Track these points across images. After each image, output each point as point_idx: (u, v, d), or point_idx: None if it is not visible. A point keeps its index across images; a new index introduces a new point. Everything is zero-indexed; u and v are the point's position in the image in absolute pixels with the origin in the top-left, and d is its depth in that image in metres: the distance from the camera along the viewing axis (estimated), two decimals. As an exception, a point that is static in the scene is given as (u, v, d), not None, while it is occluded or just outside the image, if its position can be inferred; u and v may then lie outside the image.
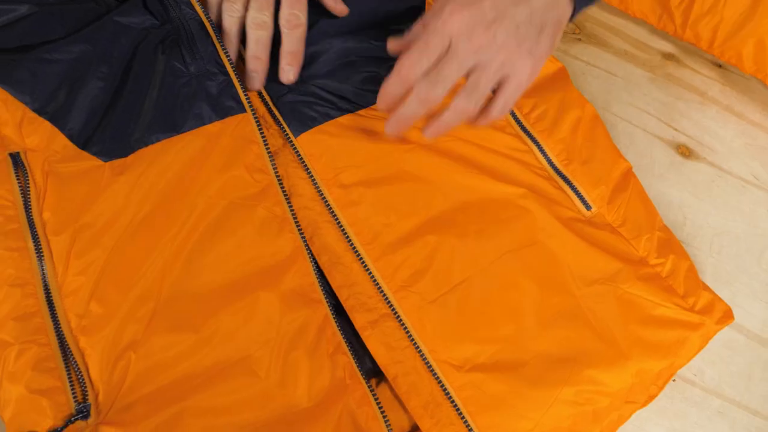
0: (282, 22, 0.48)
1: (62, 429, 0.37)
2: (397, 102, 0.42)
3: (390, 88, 0.42)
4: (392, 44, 0.45)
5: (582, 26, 0.60)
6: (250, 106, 0.48)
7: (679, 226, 0.53)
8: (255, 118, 0.48)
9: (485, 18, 0.40)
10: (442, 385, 0.43)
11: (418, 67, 0.40)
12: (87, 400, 0.39)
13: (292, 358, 0.42)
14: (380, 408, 0.42)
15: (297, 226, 0.46)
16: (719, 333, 0.46)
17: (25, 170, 0.44)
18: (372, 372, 0.45)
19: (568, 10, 0.43)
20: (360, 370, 0.43)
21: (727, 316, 0.46)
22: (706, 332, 0.45)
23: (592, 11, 0.60)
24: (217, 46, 0.49)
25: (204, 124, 0.47)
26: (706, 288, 0.47)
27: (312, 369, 0.42)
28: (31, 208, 0.43)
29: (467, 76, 0.41)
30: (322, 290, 0.45)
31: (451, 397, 0.42)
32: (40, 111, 0.45)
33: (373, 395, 0.43)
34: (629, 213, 0.49)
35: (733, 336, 0.50)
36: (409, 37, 0.43)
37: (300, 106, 0.49)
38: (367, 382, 0.43)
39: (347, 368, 0.43)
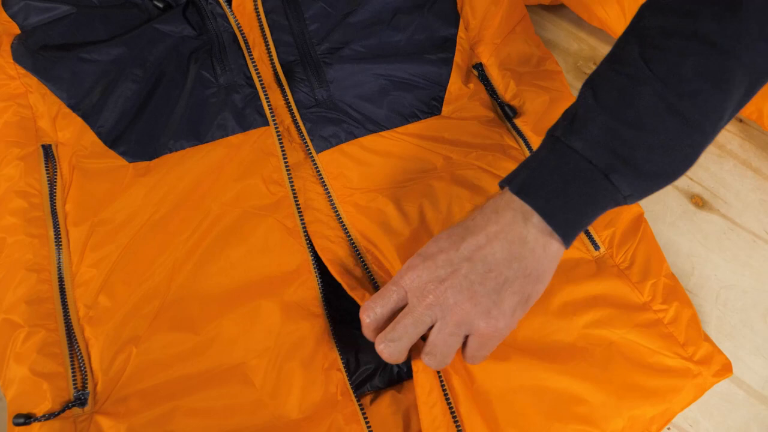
0: None
1: (59, 413, 0.39)
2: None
3: (365, 331, 0.40)
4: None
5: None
6: (274, 120, 0.49)
7: (687, 276, 0.53)
8: (278, 131, 0.49)
9: (437, 275, 0.37)
10: None
11: (371, 312, 0.39)
12: (86, 388, 0.40)
13: (288, 369, 0.43)
14: (369, 427, 0.43)
15: (307, 239, 0.47)
16: (718, 385, 0.46)
17: (55, 162, 0.46)
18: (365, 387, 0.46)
19: (545, 256, 0.37)
20: (352, 388, 0.44)
21: (726, 369, 0.45)
22: (703, 383, 0.44)
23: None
24: (248, 59, 0.51)
25: (227, 135, 0.48)
26: (707, 339, 0.47)
27: (305, 382, 0.43)
28: (55, 199, 0.45)
29: (430, 331, 0.38)
30: (323, 305, 0.46)
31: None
32: (74, 107, 0.47)
33: (363, 414, 0.43)
34: (637, 257, 0.49)
35: (732, 390, 0.49)
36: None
37: (325, 122, 0.50)
38: (358, 401, 0.43)
39: (340, 385, 0.43)
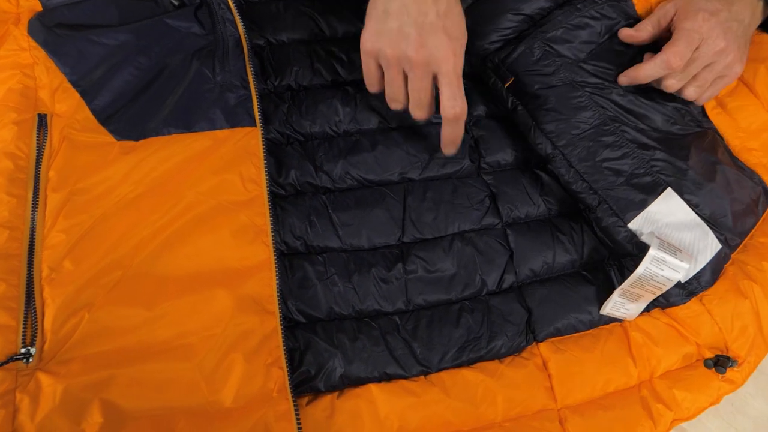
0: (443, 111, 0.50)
1: (2, 363, 0.40)
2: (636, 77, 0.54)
3: (650, 70, 0.52)
4: (628, 31, 0.55)
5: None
6: (262, 122, 0.52)
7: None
8: (263, 133, 0.51)
9: (723, 26, 0.51)
10: None
11: (684, 57, 0.51)
12: (34, 345, 0.42)
13: (230, 358, 0.44)
14: (299, 427, 0.43)
15: (273, 239, 0.49)
16: None
17: (47, 131, 0.48)
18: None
19: (757, 19, 0.55)
20: (291, 389, 0.45)
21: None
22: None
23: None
24: (247, 64, 0.53)
25: (214, 128, 0.51)
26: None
27: (244, 374, 0.44)
28: (41, 165, 0.47)
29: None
30: (279, 304, 0.47)
31: None
32: (75, 83, 0.50)
33: (297, 414, 0.44)
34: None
35: None
36: (643, 31, 0.55)
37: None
38: (295, 401, 0.44)
39: (279, 382, 0.45)
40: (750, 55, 0.55)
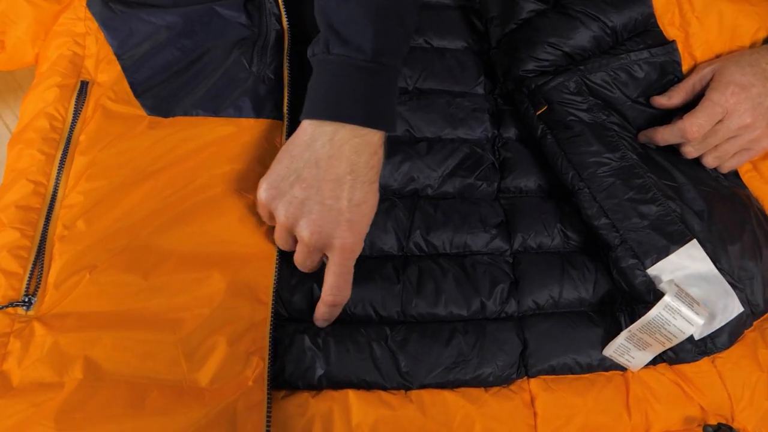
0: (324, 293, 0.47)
1: (2, 307, 0.43)
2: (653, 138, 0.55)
3: (667, 135, 0.53)
4: (660, 99, 0.56)
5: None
6: (289, 117, 0.53)
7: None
8: (288, 128, 0.52)
9: (754, 102, 0.51)
10: None
11: (702, 130, 0.51)
12: (35, 295, 0.44)
13: (213, 339, 0.45)
14: (268, 419, 0.44)
15: None
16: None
17: (85, 98, 0.51)
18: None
19: None
20: (268, 381, 0.45)
21: None
22: None
23: None
24: (285, 59, 0.55)
25: (240, 116, 0.52)
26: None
27: (225, 357, 0.44)
28: (74, 129, 0.50)
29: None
30: (273, 296, 0.48)
31: None
32: (119, 56, 0.52)
33: (268, 406, 0.44)
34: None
35: None
36: (675, 98, 0.55)
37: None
38: (269, 395, 0.44)
39: (257, 372, 0.45)
40: None
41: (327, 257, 0.47)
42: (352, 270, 0.47)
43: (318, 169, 0.44)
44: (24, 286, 0.44)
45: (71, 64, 0.52)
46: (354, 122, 0.43)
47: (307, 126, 0.45)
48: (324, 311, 0.48)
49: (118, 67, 0.52)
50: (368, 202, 0.45)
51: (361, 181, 0.44)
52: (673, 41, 0.58)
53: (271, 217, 0.47)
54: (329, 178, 0.43)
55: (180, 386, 0.43)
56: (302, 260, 0.47)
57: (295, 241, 0.47)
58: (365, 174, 0.44)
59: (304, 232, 0.45)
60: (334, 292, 0.46)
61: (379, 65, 0.44)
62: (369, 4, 0.44)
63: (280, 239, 0.47)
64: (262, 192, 0.46)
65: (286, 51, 0.55)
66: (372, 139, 0.44)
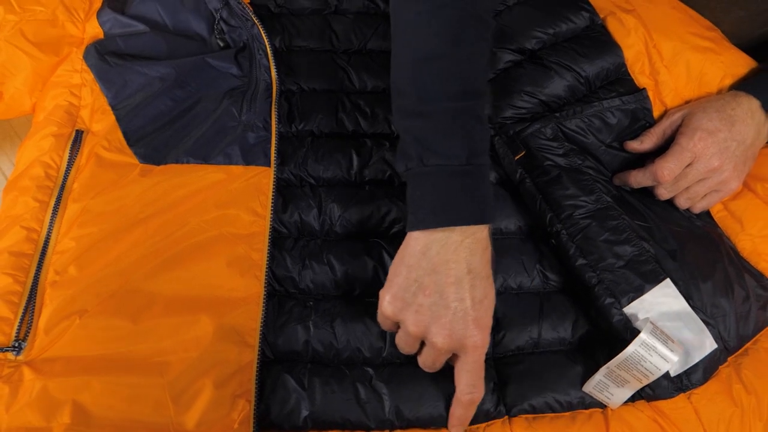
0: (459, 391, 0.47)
1: (-7, 352, 0.44)
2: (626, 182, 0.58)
3: (640, 178, 0.56)
4: (633, 144, 0.59)
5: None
6: (277, 164, 0.55)
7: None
8: (275, 175, 0.54)
9: (720, 146, 0.54)
10: None
11: (673, 173, 0.54)
12: (26, 340, 0.45)
13: (200, 383, 0.46)
14: (254, 464, 0.44)
15: (267, 276, 0.51)
16: None
17: (80, 147, 0.53)
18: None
19: (763, 139, 0.57)
20: (254, 424, 0.46)
21: None
22: None
23: None
24: (273, 108, 0.57)
25: (230, 163, 0.54)
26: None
27: (211, 401, 0.45)
28: (68, 177, 0.52)
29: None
30: (260, 339, 0.49)
31: None
32: (114, 107, 0.55)
33: (255, 450, 0.45)
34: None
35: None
36: (647, 143, 0.58)
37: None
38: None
39: (243, 414, 0.46)
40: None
41: (455, 356, 0.47)
42: (484, 365, 0.47)
43: (437, 274, 0.44)
44: (14, 331, 0.45)
45: (67, 114, 0.54)
46: (462, 224, 0.44)
47: (418, 236, 0.45)
48: (461, 413, 0.47)
49: (113, 117, 0.54)
50: (489, 296, 0.46)
51: (479, 278, 0.45)
52: (644, 89, 0.61)
53: (394, 325, 0.48)
54: (450, 282, 0.44)
55: (167, 429, 0.44)
56: (431, 363, 0.47)
57: (422, 345, 0.47)
58: (482, 270, 0.45)
59: (436, 338, 0.45)
60: (471, 390, 0.46)
61: (473, 166, 0.45)
62: (447, 113, 0.46)
63: (407, 346, 0.48)
64: (387, 305, 0.46)
65: (274, 100, 0.58)
66: (481, 236, 0.45)
